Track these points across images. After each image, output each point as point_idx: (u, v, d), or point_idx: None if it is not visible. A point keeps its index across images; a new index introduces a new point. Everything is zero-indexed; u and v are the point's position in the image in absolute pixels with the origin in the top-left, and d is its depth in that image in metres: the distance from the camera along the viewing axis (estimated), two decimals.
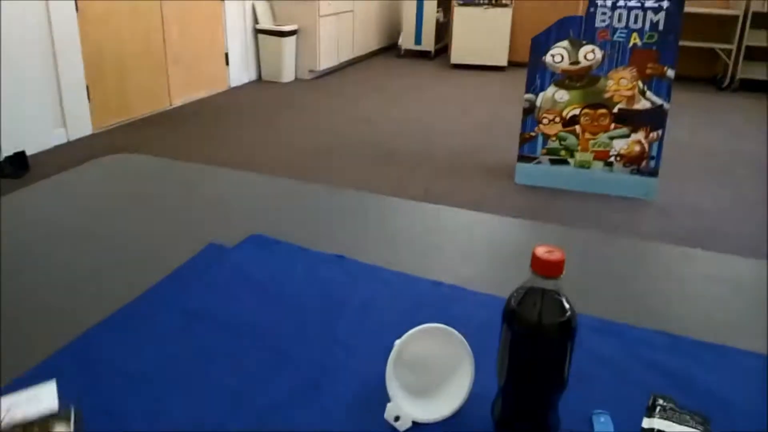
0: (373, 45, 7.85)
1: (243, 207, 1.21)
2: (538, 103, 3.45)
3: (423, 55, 7.78)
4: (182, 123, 4.80)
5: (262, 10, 6.15)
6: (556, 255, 0.59)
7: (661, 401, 0.66)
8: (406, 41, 7.83)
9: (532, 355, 0.61)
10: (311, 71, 6.39)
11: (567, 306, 0.60)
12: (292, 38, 6.16)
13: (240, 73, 6.07)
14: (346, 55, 7.04)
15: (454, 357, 0.67)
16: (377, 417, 0.64)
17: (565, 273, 0.60)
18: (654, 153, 3.38)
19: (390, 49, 8.24)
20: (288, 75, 6.24)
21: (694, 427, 0.63)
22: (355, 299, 0.86)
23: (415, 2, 7.57)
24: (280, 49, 6.09)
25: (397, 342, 0.65)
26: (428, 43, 7.73)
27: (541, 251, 0.60)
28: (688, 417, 0.64)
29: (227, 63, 5.85)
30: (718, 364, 0.76)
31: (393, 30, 8.19)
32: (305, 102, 5.53)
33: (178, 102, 5.23)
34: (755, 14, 6.32)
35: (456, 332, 0.66)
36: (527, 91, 3.46)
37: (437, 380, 0.67)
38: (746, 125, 5.27)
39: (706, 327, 0.85)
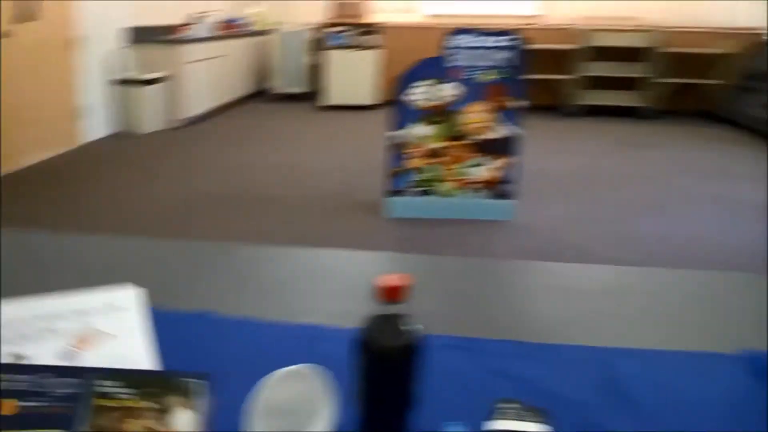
0: (245, 89, 7.83)
1: (97, 274, 1.14)
2: (404, 139, 3.63)
3: (295, 97, 7.87)
4: (30, 186, 4.39)
5: (124, 59, 5.96)
6: (394, 281, 0.65)
7: (503, 404, 0.73)
8: (278, 84, 7.91)
9: (382, 378, 0.66)
10: (179, 119, 6.25)
11: (410, 327, 0.66)
12: (157, 86, 6.00)
13: (99, 126, 5.77)
14: (216, 101, 6.96)
15: (316, 396, 0.68)
16: None
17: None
18: (511, 177, 3.65)
19: (263, 93, 8.26)
20: (153, 125, 6.04)
21: (533, 421, 0.70)
22: (221, 356, 0.85)
23: (285, 46, 7.69)
24: (142, 98, 5.91)
25: (254, 393, 0.66)
26: (300, 86, 7.85)
27: (380, 280, 0.65)
28: (528, 414, 0.72)
29: (82, 117, 5.53)
30: (557, 362, 0.85)
31: (265, 74, 8.22)
32: (172, 153, 5.36)
33: (23, 163, 4.76)
34: (592, 48, 7.18)
35: (313, 370, 0.68)
36: (394, 128, 3.63)
37: (303, 421, 0.68)
38: (591, 145, 5.85)
39: (553, 330, 0.95)
